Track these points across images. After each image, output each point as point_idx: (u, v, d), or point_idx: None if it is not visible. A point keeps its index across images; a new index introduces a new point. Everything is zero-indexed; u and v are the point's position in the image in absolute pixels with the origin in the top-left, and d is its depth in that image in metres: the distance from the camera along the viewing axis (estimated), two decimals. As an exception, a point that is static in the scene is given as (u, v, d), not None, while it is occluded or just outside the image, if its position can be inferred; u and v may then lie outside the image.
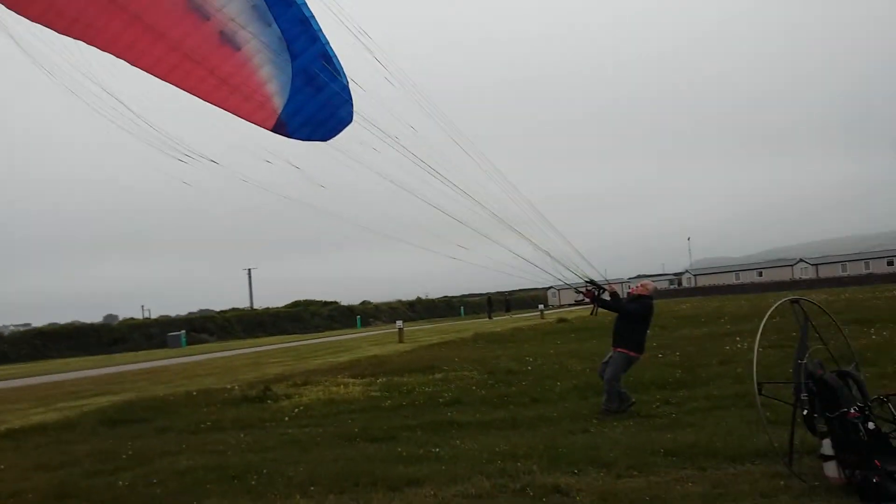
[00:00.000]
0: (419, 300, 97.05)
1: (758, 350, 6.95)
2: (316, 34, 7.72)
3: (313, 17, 7.62)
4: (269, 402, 13.96)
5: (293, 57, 7.75)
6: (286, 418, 11.85)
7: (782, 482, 5.94)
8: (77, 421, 13.12)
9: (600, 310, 10.45)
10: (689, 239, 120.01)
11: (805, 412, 6.14)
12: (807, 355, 6.41)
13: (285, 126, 8.25)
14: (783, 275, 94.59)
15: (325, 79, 7.97)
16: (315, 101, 8.13)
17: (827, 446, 5.87)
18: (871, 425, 5.84)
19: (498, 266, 9.39)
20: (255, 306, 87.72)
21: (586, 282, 9.93)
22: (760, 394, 6.51)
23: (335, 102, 8.24)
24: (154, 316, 78.68)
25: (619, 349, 10.23)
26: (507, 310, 74.18)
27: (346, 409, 12.29)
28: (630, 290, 11.07)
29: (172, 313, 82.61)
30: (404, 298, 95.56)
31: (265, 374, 20.86)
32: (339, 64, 8.08)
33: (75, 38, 7.03)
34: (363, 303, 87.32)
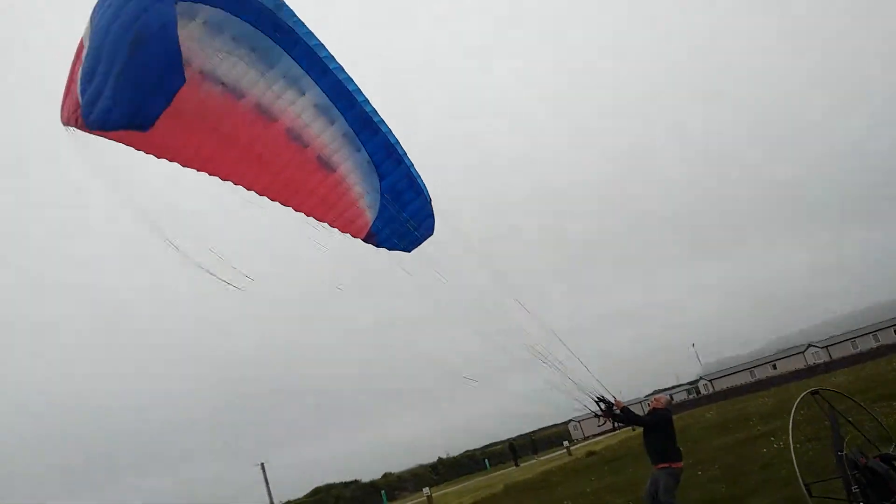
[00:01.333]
0: (441, 461, 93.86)
1: (794, 448, 6.92)
2: (401, 157, 8.81)
3: (398, 142, 8.74)
4: None
5: (381, 177, 8.78)
6: None
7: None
8: None
9: (627, 429, 10.43)
10: (693, 345, 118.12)
11: (861, 505, 6.04)
12: (844, 444, 6.39)
13: (375, 237, 9.18)
14: (797, 363, 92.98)
15: (411, 196, 9.03)
16: (402, 215, 9.06)
17: (891, 536, 5.72)
18: (929, 505, 5.74)
19: (532, 393, 9.52)
20: (275, 502, 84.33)
21: (596, 399, 9.89)
22: (812, 496, 6.42)
23: (419, 216, 9.24)
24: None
25: (660, 466, 10.03)
26: (535, 451, 71.97)
27: None
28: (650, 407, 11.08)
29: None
30: (425, 462, 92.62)
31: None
32: (423, 182, 9.09)
33: (197, 170, 7.87)
34: (385, 475, 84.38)
